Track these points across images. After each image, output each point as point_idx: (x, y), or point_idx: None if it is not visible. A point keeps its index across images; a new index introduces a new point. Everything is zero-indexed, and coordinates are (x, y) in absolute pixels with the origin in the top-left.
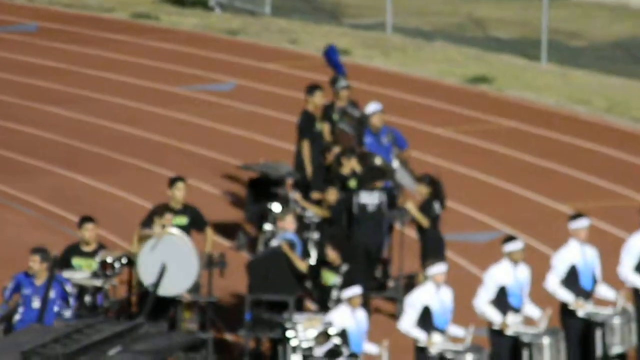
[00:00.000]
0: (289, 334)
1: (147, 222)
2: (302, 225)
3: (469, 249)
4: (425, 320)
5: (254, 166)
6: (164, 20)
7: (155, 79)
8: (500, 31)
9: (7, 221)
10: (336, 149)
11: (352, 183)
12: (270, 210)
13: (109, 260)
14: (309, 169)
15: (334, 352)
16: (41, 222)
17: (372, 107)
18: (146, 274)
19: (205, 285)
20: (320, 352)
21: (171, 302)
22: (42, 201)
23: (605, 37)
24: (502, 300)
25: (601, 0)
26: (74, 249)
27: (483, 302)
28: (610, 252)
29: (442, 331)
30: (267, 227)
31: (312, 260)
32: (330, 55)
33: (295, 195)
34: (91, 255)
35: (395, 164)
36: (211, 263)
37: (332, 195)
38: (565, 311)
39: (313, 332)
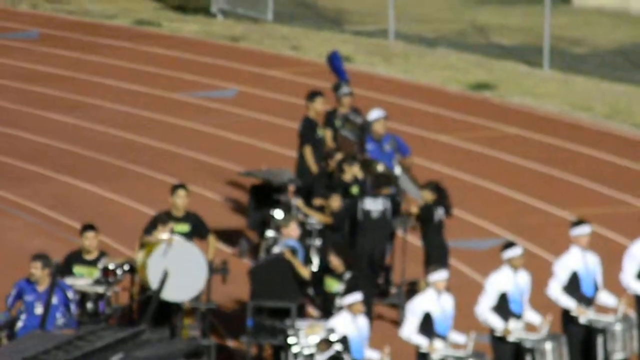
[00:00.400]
0: (290, 340)
1: (150, 229)
2: (304, 232)
3: (471, 256)
4: (427, 326)
5: (256, 173)
6: (166, 27)
7: (157, 85)
8: (503, 38)
9: (8, 227)
10: (338, 156)
11: (354, 190)
12: (272, 217)
13: (111, 267)
14: (314, 170)
15: (335, 359)
16: (42, 229)
17: (374, 114)
18: (156, 280)
19: (206, 292)
20: (322, 358)
21: (173, 309)
22: (43, 208)
23: (607, 44)
24: (503, 307)
25: (603, 7)
26: (76, 257)
27: (485, 309)
28: (612, 258)
29: (443, 338)
30: (269, 233)
31: (315, 267)
32: (334, 61)
33: (297, 201)
34: (92, 263)
35: (398, 170)
36: (212, 270)
37: (335, 201)
38: (567, 318)
39: (315, 339)
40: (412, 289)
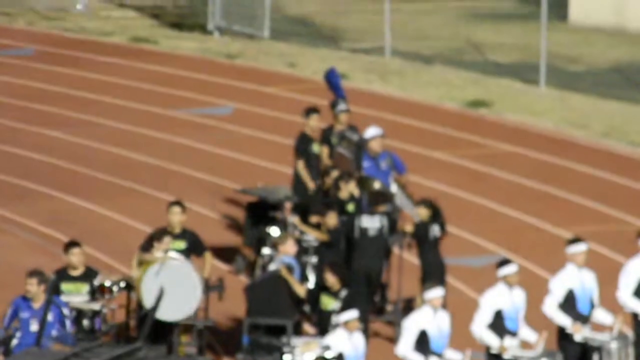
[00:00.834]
0: (286, 358)
1: (146, 246)
2: (301, 249)
3: (466, 273)
4: (422, 344)
5: (252, 190)
6: (162, 44)
7: (153, 102)
8: (499, 55)
9: (5, 245)
10: (334, 173)
11: (350, 207)
12: (269, 234)
13: (107, 284)
14: (310, 185)
15: None
16: (39, 246)
17: (371, 132)
18: (149, 299)
19: (202, 309)
20: None
21: (169, 326)
22: (40, 225)
23: (604, 62)
24: (498, 324)
25: (599, 24)
26: (62, 275)
27: (480, 327)
28: (608, 276)
29: (439, 355)
30: (266, 251)
31: (311, 284)
32: (331, 78)
33: (294, 219)
34: (79, 279)
35: (394, 188)
36: (209, 287)
37: (332, 219)
38: (563, 335)
39: (310, 356)
40: (409, 306)
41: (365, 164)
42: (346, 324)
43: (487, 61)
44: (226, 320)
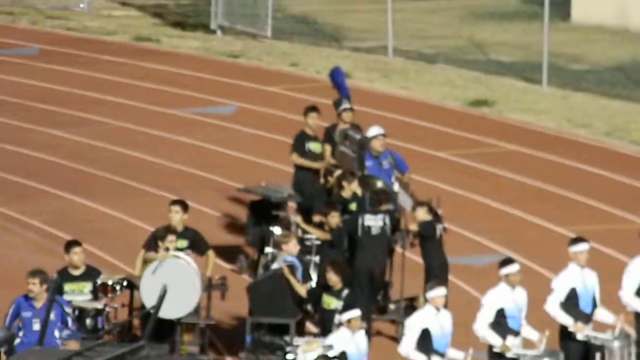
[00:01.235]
0: (289, 356)
1: (150, 244)
2: (303, 248)
3: (469, 272)
4: (425, 343)
5: (255, 189)
6: (165, 43)
7: (156, 101)
8: (502, 54)
9: (9, 244)
10: (337, 172)
11: (353, 206)
12: (271, 233)
13: (110, 282)
14: (315, 165)
15: None
16: (43, 245)
17: (373, 131)
18: (148, 297)
19: (205, 308)
20: None
21: (172, 325)
22: (44, 224)
23: (606, 61)
24: (501, 323)
25: (602, 24)
26: (64, 275)
27: (483, 326)
28: (610, 276)
29: (441, 354)
30: (268, 250)
31: (313, 284)
32: (335, 76)
33: (297, 218)
34: (80, 278)
35: (396, 187)
36: (211, 286)
37: (334, 218)
38: (565, 334)
39: (313, 355)
40: (411, 305)
41: (368, 163)
42: (349, 323)
43: (489, 60)
44: (229, 319)
